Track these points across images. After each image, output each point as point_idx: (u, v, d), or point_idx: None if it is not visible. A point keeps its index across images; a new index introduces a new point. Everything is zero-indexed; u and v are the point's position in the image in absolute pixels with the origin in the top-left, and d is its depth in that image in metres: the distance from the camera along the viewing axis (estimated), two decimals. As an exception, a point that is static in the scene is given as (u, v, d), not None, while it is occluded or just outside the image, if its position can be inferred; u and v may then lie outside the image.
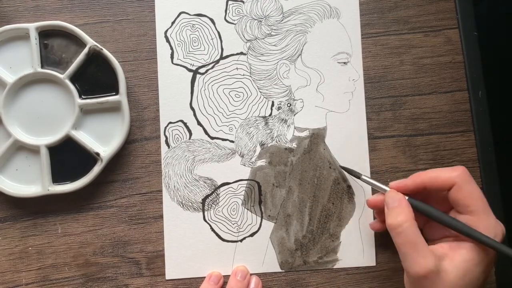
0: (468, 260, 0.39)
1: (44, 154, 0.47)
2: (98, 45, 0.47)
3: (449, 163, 0.49)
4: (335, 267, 0.48)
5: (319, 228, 0.48)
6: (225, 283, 0.47)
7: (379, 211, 0.45)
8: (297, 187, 0.48)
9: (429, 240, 0.43)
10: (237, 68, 0.49)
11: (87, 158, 0.47)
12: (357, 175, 0.46)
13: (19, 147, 0.48)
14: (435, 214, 0.41)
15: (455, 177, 0.40)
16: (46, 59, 0.48)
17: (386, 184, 0.44)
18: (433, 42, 0.50)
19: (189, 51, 0.49)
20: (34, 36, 0.47)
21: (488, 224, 0.39)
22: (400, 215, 0.40)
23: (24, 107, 0.48)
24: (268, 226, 0.48)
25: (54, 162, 0.47)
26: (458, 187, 0.40)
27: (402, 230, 0.39)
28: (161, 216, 0.48)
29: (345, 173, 0.48)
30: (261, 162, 0.48)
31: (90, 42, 0.47)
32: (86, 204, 0.48)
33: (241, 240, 0.48)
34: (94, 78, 0.48)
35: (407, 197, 0.42)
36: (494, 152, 0.49)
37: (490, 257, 0.39)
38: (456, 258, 0.39)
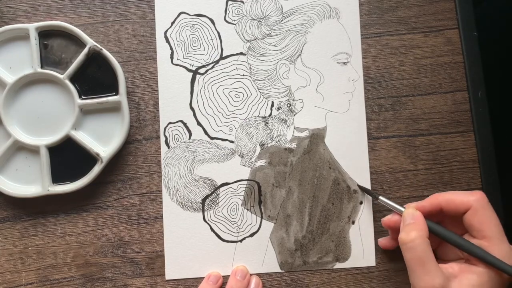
0: (476, 285, 0.38)
1: (44, 154, 0.47)
2: (98, 45, 0.47)
3: (449, 163, 0.49)
4: (335, 267, 0.48)
5: (319, 229, 0.48)
6: (225, 283, 0.47)
7: (393, 231, 0.45)
8: (297, 188, 0.48)
9: (442, 260, 0.43)
10: (237, 69, 0.49)
11: (87, 158, 0.47)
12: (375, 196, 0.46)
13: (19, 147, 0.48)
14: (449, 236, 0.41)
15: (472, 201, 0.40)
16: (46, 59, 0.48)
17: (403, 206, 0.44)
18: (433, 42, 0.50)
19: (189, 51, 0.49)
20: (34, 36, 0.47)
21: (502, 251, 0.38)
22: (413, 231, 0.39)
23: (24, 107, 0.48)
24: (268, 226, 0.48)
25: (54, 162, 0.47)
26: (473, 211, 0.39)
27: (412, 246, 0.39)
28: (161, 216, 0.48)
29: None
30: (261, 162, 0.48)
31: (90, 42, 0.47)
32: (86, 204, 0.48)
33: (241, 240, 0.48)
34: (94, 78, 0.48)
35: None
36: (494, 152, 0.49)
37: (501, 285, 0.39)
38: (464, 281, 0.38)
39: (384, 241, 0.47)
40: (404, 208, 0.43)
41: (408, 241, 0.39)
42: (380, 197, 0.45)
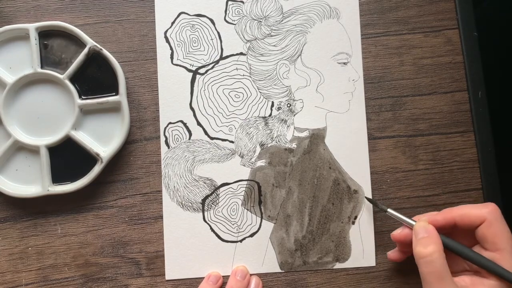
0: None
1: (44, 154, 0.47)
2: (98, 46, 0.47)
3: (449, 163, 0.49)
4: (335, 267, 0.48)
5: (319, 229, 0.48)
6: (225, 283, 0.47)
7: (402, 244, 0.44)
8: (297, 188, 0.48)
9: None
10: (237, 69, 0.49)
11: (87, 158, 0.47)
12: (383, 209, 0.45)
13: (19, 147, 0.48)
14: (463, 250, 0.41)
15: (486, 214, 0.40)
16: (46, 59, 0.48)
17: (413, 219, 0.43)
18: (433, 43, 0.50)
19: (189, 51, 0.49)
20: (34, 37, 0.47)
21: None
22: (431, 245, 0.39)
23: (24, 107, 0.48)
24: (268, 226, 0.48)
25: (54, 162, 0.47)
26: (488, 224, 0.40)
27: (432, 260, 0.39)
28: (161, 217, 0.48)
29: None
30: (261, 163, 0.48)
31: (90, 42, 0.47)
32: (86, 204, 0.48)
33: (241, 241, 0.48)
34: (94, 78, 0.48)
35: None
36: (494, 152, 0.49)
37: None
38: None
39: (393, 254, 0.46)
40: (415, 221, 0.42)
41: (426, 255, 0.39)
42: (389, 210, 0.45)
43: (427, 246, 0.39)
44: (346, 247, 0.48)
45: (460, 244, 0.41)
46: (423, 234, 0.41)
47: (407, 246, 0.43)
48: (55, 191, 0.46)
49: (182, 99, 0.49)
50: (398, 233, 0.44)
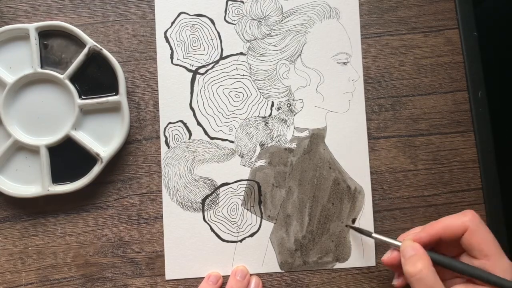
0: None
1: (44, 154, 0.47)
2: (98, 45, 0.47)
3: (449, 163, 0.49)
4: (335, 267, 0.48)
5: (319, 229, 0.48)
6: (225, 283, 0.47)
7: (397, 268, 0.44)
8: (297, 188, 0.48)
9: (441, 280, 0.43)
10: (236, 69, 0.49)
11: (87, 158, 0.47)
12: (368, 234, 0.45)
13: (19, 147, 0.48)
14: (451, 264, 0.41)
15: (467, 222, 0.40)
16: (46, 59, 0.48)
17: (397, 239, 0.43)
18: (433, 42, 0.50)
19: (188, 51, 0.49)
20: (34, 36, 0.47)
21: (503, 268, 0.39)
22: (419, 262, 0.39)
23: (24, 107, 0.48)
24: (268, 226, 0.48)
25: (54, 162, 0.47)
26: (471, 232, 0.40)
27: (421, 277, 0.39)
28: (161, 216, 0.48)
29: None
30: (261, 162, 0.48)
31: (90, 42, 0.47)
32: (86, 204, 0.48)
33: (240, 241, 0.48)
34: (94, 78, 0.48)
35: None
36: (494, 152, 0.49)
37: None
38: None
39: (399, 283, 0.45)
40: (400, 242, 0.42)
41: (416, 273, 0.39)
42: (373, 234, 0.45)
43: (416, 264, 0.39)
44: (346, 247, 0.48)
45: (448, 258, 0.41)
46: (410, 253, 0.41)
47: (401, 268, 0.42)
48: (55, 191, 0.46)
49: (182, 99, 0.49)
50: (388, 257, 0.43)
